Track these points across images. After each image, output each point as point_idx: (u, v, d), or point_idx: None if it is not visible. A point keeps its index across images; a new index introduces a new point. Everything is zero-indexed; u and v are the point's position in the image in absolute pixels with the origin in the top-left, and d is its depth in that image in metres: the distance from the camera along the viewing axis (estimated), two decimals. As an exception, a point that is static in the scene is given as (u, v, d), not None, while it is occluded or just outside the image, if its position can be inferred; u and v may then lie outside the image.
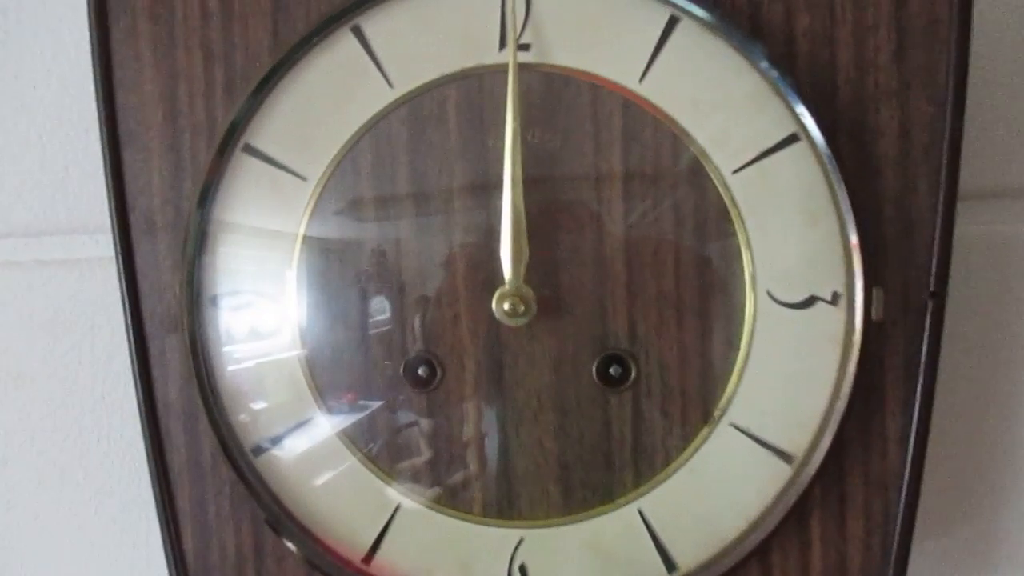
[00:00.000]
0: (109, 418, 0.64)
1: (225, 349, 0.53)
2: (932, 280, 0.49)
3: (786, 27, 0.49)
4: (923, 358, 0.49)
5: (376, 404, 0.52)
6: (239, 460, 0.52)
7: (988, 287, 0.58)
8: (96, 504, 0.65)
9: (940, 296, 0.49)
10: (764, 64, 0.48)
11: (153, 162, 0.53)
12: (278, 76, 0.51)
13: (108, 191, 0.53)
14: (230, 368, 0.53)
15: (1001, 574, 0.61)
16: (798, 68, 0.49)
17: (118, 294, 0.53)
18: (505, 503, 0.51)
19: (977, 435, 0.59)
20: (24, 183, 0.64)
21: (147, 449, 0.54)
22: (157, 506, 0.54)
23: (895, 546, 0.50)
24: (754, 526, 0.50)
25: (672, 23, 0.49)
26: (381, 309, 0.52)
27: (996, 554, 0.61)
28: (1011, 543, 0.61)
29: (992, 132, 0.57)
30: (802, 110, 0.48)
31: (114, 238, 0.53)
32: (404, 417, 0.52)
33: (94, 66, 0.53)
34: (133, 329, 0.53)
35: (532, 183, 0.49)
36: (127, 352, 0.54)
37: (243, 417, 0.53)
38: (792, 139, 0.49)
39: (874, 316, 0.48)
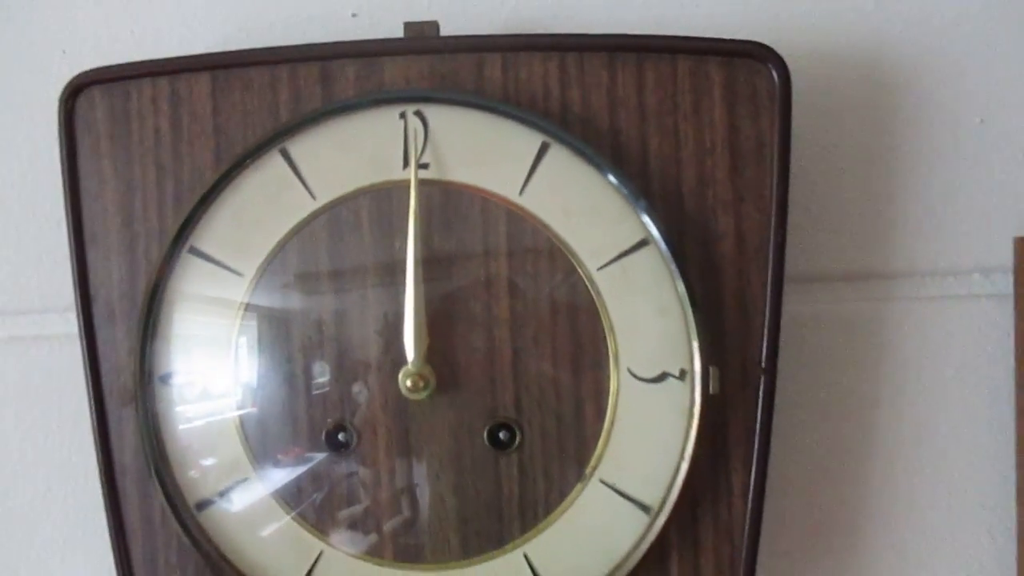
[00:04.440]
0: (75, 478, 0.69)
1: (172, 418, 0.59)
2: (763, 358, 0.58)
3: (641, 149, 0.58)
4: (758, 424, 0.58)
5: (303, 467, 0.59)
6: (184, 515, 0.58)
7: (816, 359, 0.66)
8: (63, 554, 0.69)
9: (770, 372, 0.57)
10: (618, 183, 0.57)
11: (112, 260, 0.60)
12: (219, 189, 0.58)
13: (74, 284, 0.60)
14: (177, 434, 0.59)
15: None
16: (651, 183, 0.58)
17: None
18: (413, 551, 0.58)
19: (812, 488, 0.67)
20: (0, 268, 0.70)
21: (106, 507, 0.59)
22: (114, 557, 0.60)
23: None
24: (618, 567, 0.57)
25: (544, 147, 0.58)
26: (307, 383, 0.59)
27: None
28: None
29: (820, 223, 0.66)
30: (647, 221, 0.56)
31: (79, 324, 0.60)
32: (326, 478, 0.59)
33: (63, 178, 0.59)
34: (95, 402, 0.59)
35: (432, 280, 0.57)
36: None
37: (189, 476, 0.59)
38: (643, 243, 0.57)
39: (711, 390, 0.56)
